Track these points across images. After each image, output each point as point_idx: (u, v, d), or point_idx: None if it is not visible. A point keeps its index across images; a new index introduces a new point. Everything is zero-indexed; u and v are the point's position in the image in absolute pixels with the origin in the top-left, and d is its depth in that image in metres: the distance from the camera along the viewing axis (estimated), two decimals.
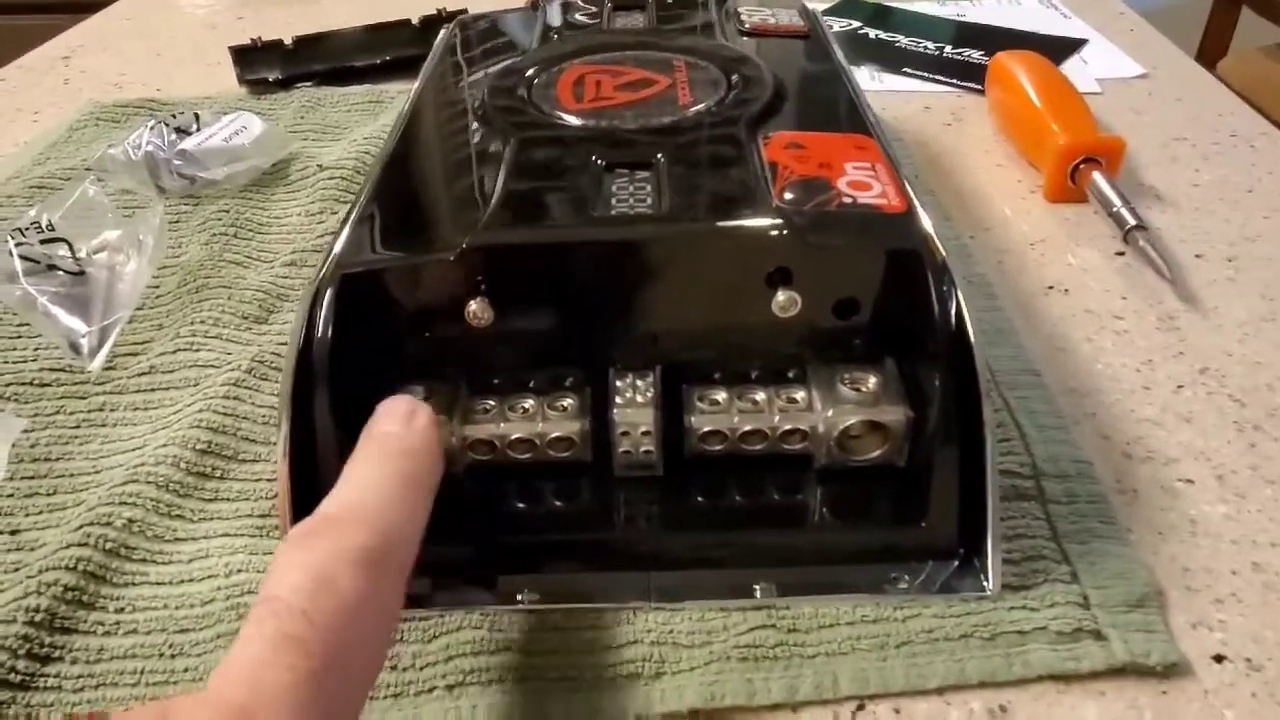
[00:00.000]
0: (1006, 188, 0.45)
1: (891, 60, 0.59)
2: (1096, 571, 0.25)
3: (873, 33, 0.63)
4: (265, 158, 0.47)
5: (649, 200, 0.27)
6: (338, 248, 0.26)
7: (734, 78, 0.34)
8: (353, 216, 0.28)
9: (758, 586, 0.25)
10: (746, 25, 0.40)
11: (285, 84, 0.58)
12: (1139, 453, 0.30)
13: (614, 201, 0.27)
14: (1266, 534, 0.27)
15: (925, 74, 0.56)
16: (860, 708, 0.23)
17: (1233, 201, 0.42)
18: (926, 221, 0.26)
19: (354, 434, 0.26)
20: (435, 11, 0.63)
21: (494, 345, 0.26)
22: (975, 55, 0.58)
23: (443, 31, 0.44)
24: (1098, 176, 0.40)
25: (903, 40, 0.61)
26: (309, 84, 0.59)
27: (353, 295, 0.25)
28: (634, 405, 0.26)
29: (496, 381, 0.27)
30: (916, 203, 0.27)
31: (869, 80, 0.56)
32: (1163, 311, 0.36)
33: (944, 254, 0.25)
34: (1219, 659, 0.23)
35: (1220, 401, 0.31)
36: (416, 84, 0.37)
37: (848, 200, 0.26)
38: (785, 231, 0.25)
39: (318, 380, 0.25)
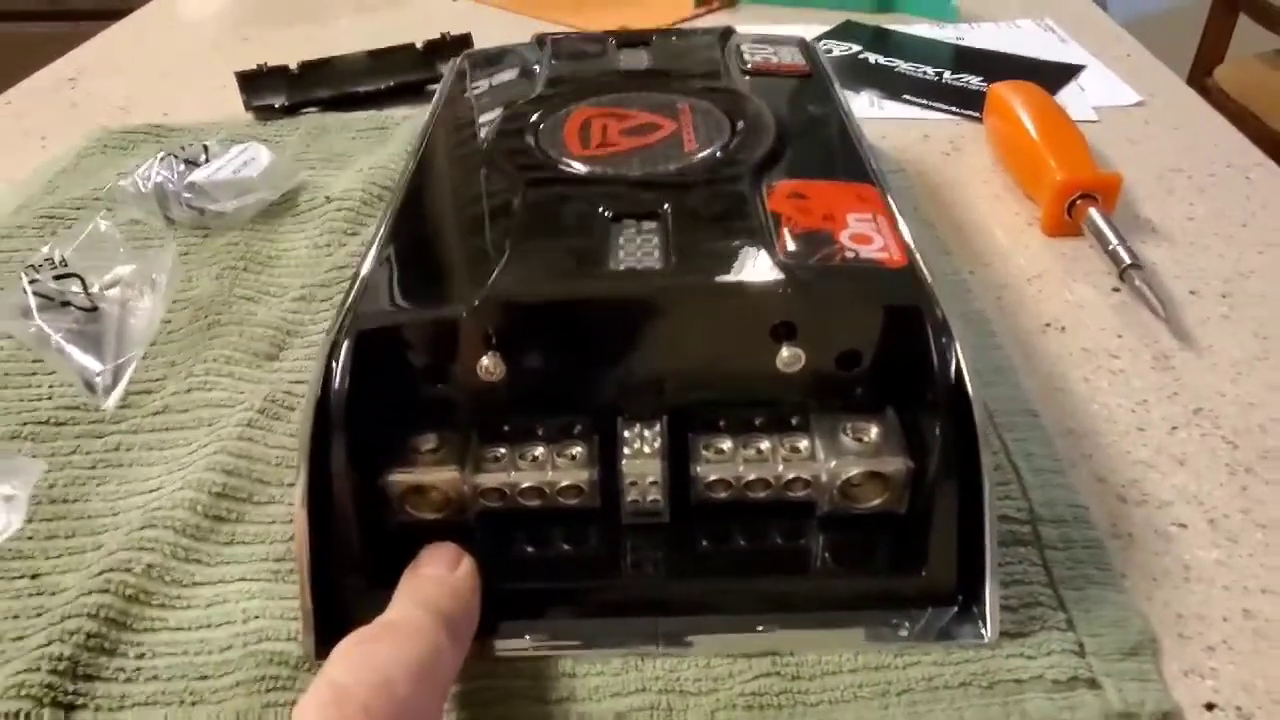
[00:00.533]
0: (1005, 220, 0.45)
1: (891, 86, 0.59)
2: (1092, 619, 0.26)
3: (873, 57, 0.63)
4: (273, 189, 0.47)
5: (656, 254, 0.28)
6: (353, 300, 0.27)
7: (738, 122, 0.35)
8: (366, 266, 0.28)
9: (762, 629, 0.26)
10: (749, 64, 0.41)
11: (291, 110, 0.59)
12: (1134, 496, 0.30)
13: (622, 254, 0.28)
14: (1257, 580, 0.27)
15: (924, 101, 0.57)
16: None
17: (1227, 236, 0.43)
18: (926, 276, 0.27)
19: (369, 480, 0.26)
20: (439, 35, 0.63)
21: (505, 395, 0.27)
22: (974, 81, 0.59)
23: (449, 66, 0.45)
24: (1094, 213, 0.41)
25: (902, 65, 0.62)
26: (314, 109, 0.60)
27: (368, 349, 0.26)
28: (641, 455, 0.27)
29: (507, 429, 0.28)
30: (917, 255, 0.28)
31: (869, 107, 0.57)
32: (1158, 350, 0.36)
33: (944, 310, 0.26)
34: (1210, 707, 0.24)
35: (1213, 443, 0.32)
36: (424, 123, 0.38)
37: (850, 255, 0.27)
38: (789, 288, 0.26)
39: (334, 429, 0.26)
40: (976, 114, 0.54)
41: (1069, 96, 0.57)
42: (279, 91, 0.60)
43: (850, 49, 0.65)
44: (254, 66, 0.60)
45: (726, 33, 0.44)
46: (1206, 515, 0.29)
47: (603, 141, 0.34)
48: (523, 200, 0.31)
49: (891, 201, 0.31)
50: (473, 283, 0.26)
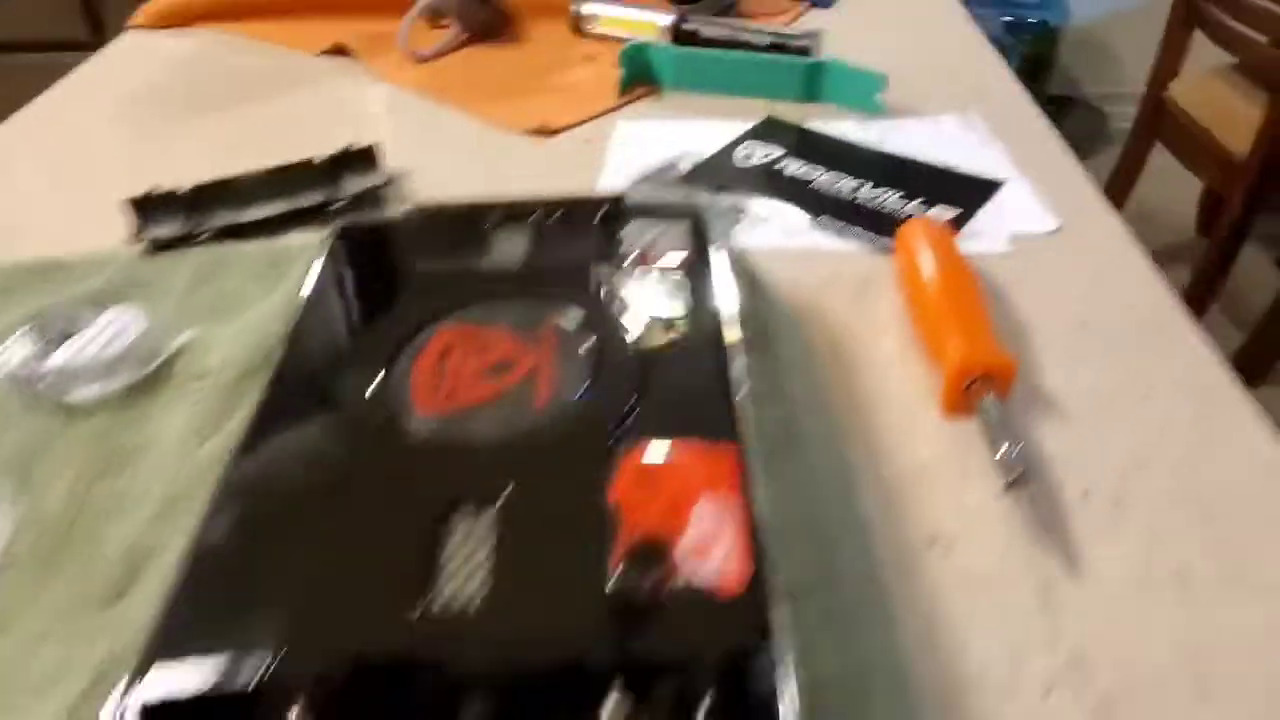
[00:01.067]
0: (904, 388, 0.44)
1: (807, 203, 0.57)
2: None
3: (791, 166, 0.61)
4: (144, 363, 0.45)
5: (482, 574, 0.26)
6: (141, 660, 0.25)
7: (600, 359, 0.33)
8: (168, 599, 0.26)
9: None
10: (628, 258, 0.39)
11: (185, 240, 0.57)
12: None
13: (446, 574, 0.26)
14: None
15: (841, 223, 0.55)
16: None
17: (1126, 414, 0.42)
18: (768, 601, 0.25)
19: None
20: (342, 149, 0.61)
21: None
22: (892, 200, 0.57)
23: (320, 243, 0.42)
24: (987, 407, 0.40)
25: (820, 178, 0.60)
26: (206, 237, 0.57)
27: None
28: None
29: None
30: (765, 563, 0.26)
31: (781, 236, 0.55)
32: (1041, 579, 0.35)
33: (781, 645, 0.24)
34: None
35: (1082, 713, 0.31)
36: (278, 363, 0.36)
37: (683, 583, 0.26)
38: (615, 635, 0.24)
39: None
40: (890, 242, 0.52)
41: (986, 218, 0.55)
42: (172, 218, 0.57)
43: (769, 155, 0.63)
44: (145, 192, 0.57)
45: (614, 207, 0.42)
46: None
47: (454, 388, 0.32)
48: (355, 489, 0.29)
49: (750, 470, 0.29)
50: (274, 634, 0.25)
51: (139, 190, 0.57)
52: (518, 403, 0.32)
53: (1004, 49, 2.22)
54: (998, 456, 0.38)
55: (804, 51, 0.73)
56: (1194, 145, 1.72)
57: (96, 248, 0.56)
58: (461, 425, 0.31)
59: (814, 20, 0.87)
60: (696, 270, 0.39)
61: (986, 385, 0.41)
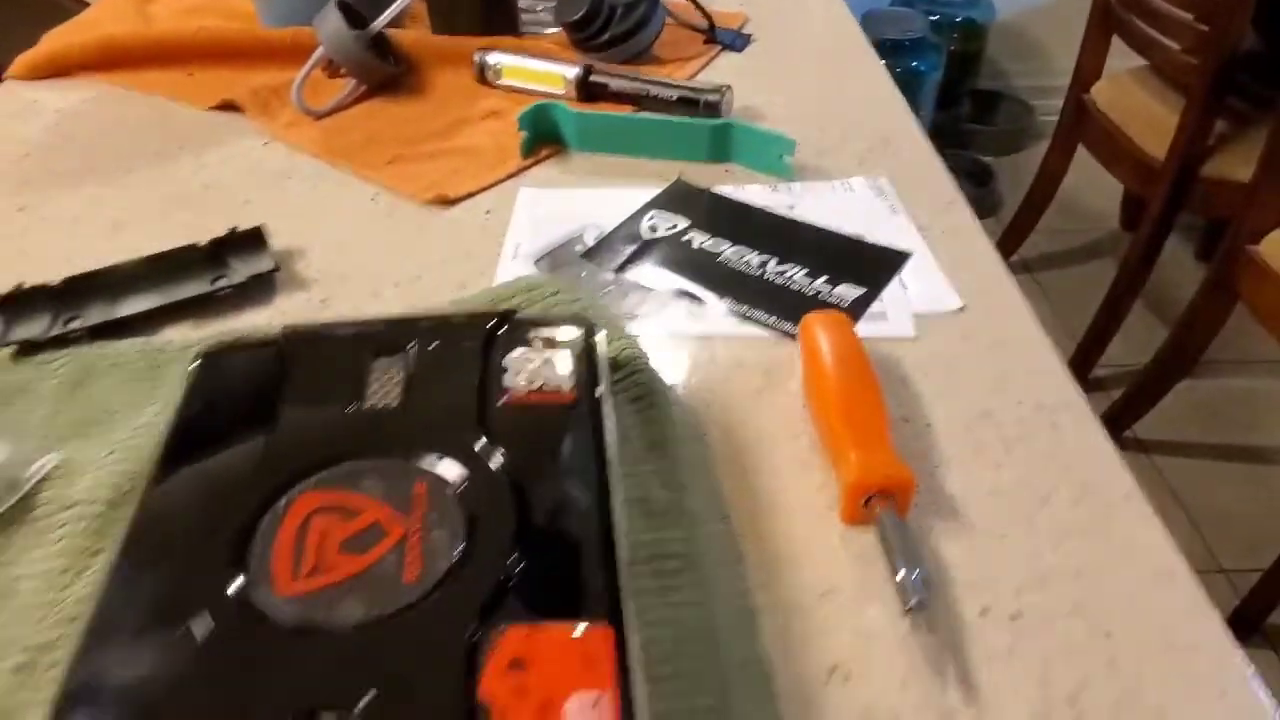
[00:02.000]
0: (805, 499, 0.43)
1: (713, 281, 0.56)
2: None
3: (698, 238, 0.60)
4: (11, 492, 0.42)
5: None
6: None
7: (474, 525, 0.32)
8: None
9: None
10: (508, 395, 0.37)
11: (56, 341, 0.53)
12: None
13: None
14: None
15: (744, 308, 0.54)
16: None
17: (1027, 519, 0.42)
18: None
19: None
20: (228, 231, 0.58)
21: None
22: (799, 276, 0.57)
23: (183, 374, 0.40)
24: (885, 524, 0.39)
25: (727, 250, 0.59)
26: (80, 334, 0.54)
27: None
28: None
29: None
30: None
31: (686, 320, 0.54)
32: (941, 710, 0.35)
33: None
34: None
35: None
36: (134, 512, 0.33)
37: None
38: None
39: None
40: (794, 328, 0.52)
41: (890, 300, 0.55)
42: (42, 317, 0.54)
43: (675, 226, 0.62)
44: (11, 288, 0.54)
45: (499, 326, 0.40)
46: None
47: (316, 564, 0.30)
48: (200, 691, 0.27)
49: (627, 652, 0.28)
50: None
51: (3, 284, 0.53)
52: (384, 578, 0.30)
53: (934, 47, 2.25)
54: (898, 579, 0.37)
55: (713, 107, 0.72)
56: (1114, 148, 1.76)
57: None
58: (321, 608, 0.29)
59: (725, 65, 0.86)
60: (579, 408, 0.37)
61: (885, 500, 0.40)
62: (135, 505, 0.34)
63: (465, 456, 0.34)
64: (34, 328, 0.53)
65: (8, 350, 0.52)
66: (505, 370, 0.38)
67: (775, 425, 0.47)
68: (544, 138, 0.71)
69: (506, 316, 0.41)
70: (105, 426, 0.47)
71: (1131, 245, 1.75)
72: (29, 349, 0.52)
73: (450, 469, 0.34)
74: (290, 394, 0.37)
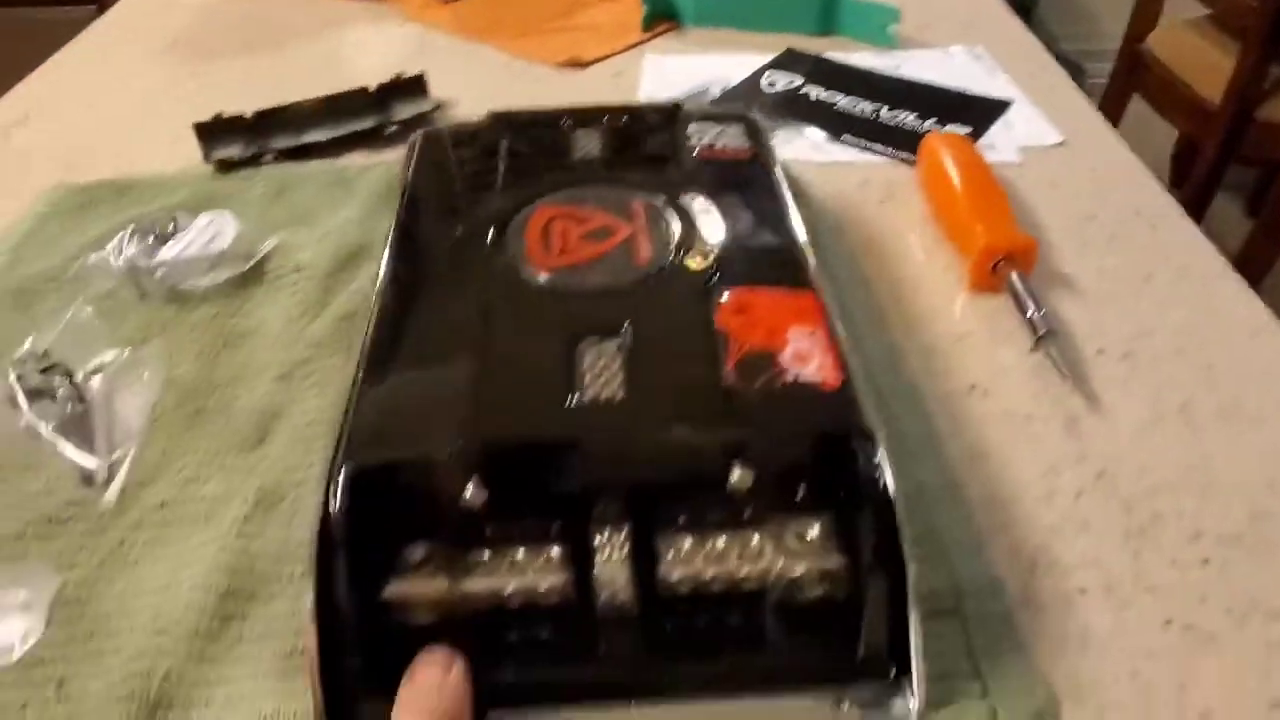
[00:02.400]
0: (935, 275, 0.49)
1: (831, 124, 0.62)
2: (1004, 686, 0.30)
3: (814, 92, 0.66)
4: (243, 260, 0.49)
5: (618, 381, 0.31)
6: (345, 438, 0.30)
7: (688, 225, 0.38)
8: (352, 399, 0.31)
9: (724, 707, 0.30)
10: (695, 150, 0.43)
11: (249, 161, 0.60)
12: (1043, 562, 0.35)
13: (587, 380, 0.31)
14: (1143, 642, 0.32)
15: (863, 142, 0.60)
16: None
17: (1133, 290, 0.47)
18: (860, 396, 0.30)
19: (368, 593, 0.30)
20: (392, 78, 0.65)
21: (488, 513, 0.30)
22: (909, 119, 0.62)
23: (408, 145, 0.47)
24: (1014, 279, 0.45)
25: (841, 100, 0.65)
26: (271, 158, 0.61)
27: (360, 485, 0.29)
28: (612, 562, 0.30)
29: (488, 535, 0.31)
30: (853, 372, 0.31)
31: (811, 150, 0.60)
32: (1068, 413, 0.41)
33: (874, 430, 0.29)
34: None
35: (1112, 508, 0.36)
36: (389, 228, 0.40)
37: (790, 378, 0.31)
38: (737, 419, 0.29)
39: (335, 553, 0.29)
40: (911, 156, 0.57)
41: (996, 135, 0.60)
42: (237, 141, 0.61)
43: (792, 82, 0.67)
44: (210, 117, 0.61)
45: (673, 112, 0.47)
46: (1104, 581, 0.34)
47: (564, 248, 0.37)
48: (495, 320, 0.34)
49: (829, 308, 0.34)
50: (454, 420, 0.29)
51: (193, 119, 0.60)
52: (621, 260, 0.36)
53: None
54: (1027, 315, 0.43)
55: None
56: (1170, 95, 1.79)
57: (162, 170, 0.60)
58: (575, 277, 0.36)
59: None
60: (760, 160, 0.43)
61: (1011, 265, 0.46)
62: (392, 224, 0.40)
63: (667, 188, 0.40)
64: (231, 150, 0.60)
65: (210, 167, 0.60)
66: (689, 136, 0.44)
67: (901, 225, 0.53)
68: (661, 14, 0.77)
69: (678, 106, 0.47)
70: (309, 222, 0.54)
71: (1182, 198, 1.78)
72: (228, 166, 0.60)
73: (657, 197, 0.40)
74: (504, 155, 0.44)
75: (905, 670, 0.30)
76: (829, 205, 0.55)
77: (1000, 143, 0.60)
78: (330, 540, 0.29)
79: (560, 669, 0.31)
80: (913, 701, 0.30)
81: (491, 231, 0.38)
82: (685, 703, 0.30)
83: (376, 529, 0.30)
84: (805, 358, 0.31)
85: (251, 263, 0.49)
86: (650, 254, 0.37)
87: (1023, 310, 0.44)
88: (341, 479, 0.29)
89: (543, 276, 0.36)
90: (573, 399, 0.30)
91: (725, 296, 0.34)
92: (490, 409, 0.30)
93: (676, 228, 0.38)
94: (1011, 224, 0.47)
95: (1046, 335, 0.42)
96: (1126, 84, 1.95)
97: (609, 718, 0.30)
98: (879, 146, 0.60)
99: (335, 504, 0.29)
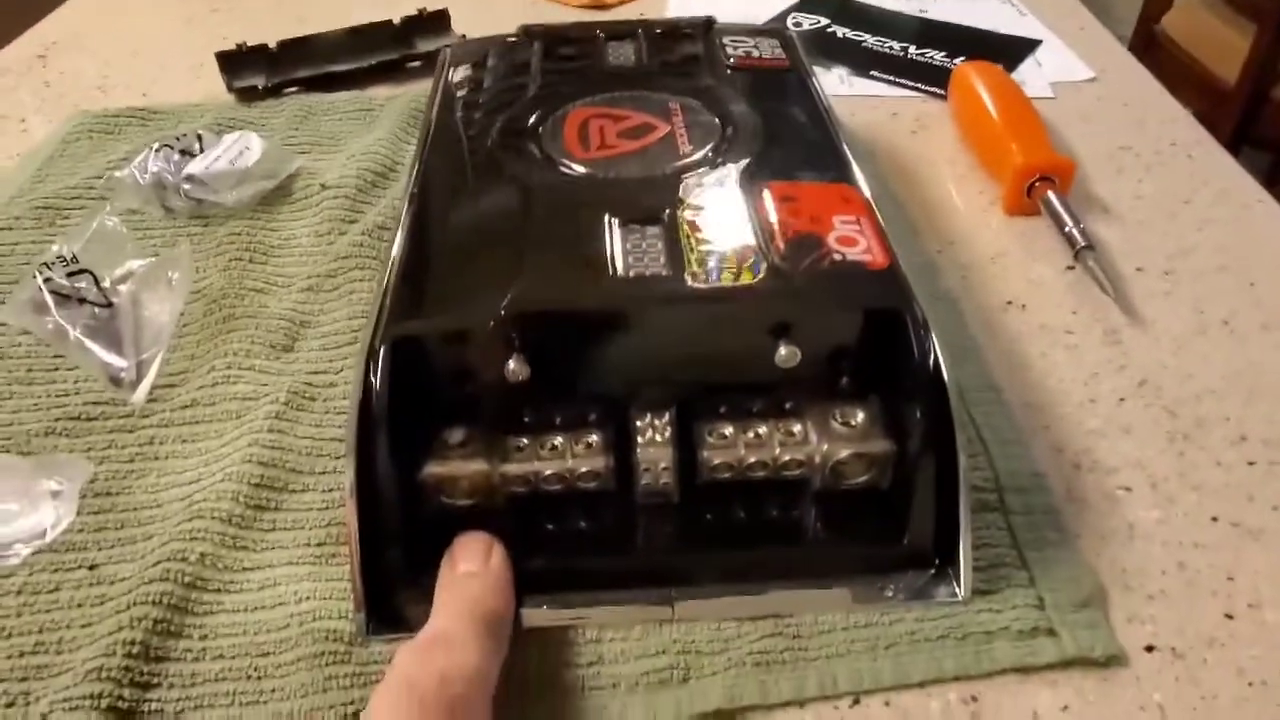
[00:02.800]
0: (969, 199, 0.48)
1: (859, 62, 0.62)
2: (1050, 576, 0.30)
3: (840, 31, 0.65)
4: (269, 178, 0.48)
5: (661, 260, 0.30)
6: (385, 310, 0.29)
7: (727, 123, 0.37)
8: (392, 279, 0.30)
9: (765, 595, 0.29)
10: (731, 59, 0.43)
11: (272, 91, 0.60)
12: (1086, 463, 0.34)
13: (630, 260, 0.30)
14: (1189, 536, 0.31)
15: (892, 78, 0.59)
16: (856, 702, 0.27)
17: (1170, 213, 0.47)
18: (907, 277, 0.30)
19: (407, 473, 0.29)
20: (417, 12, 0.64)
21: (529, 392, 0.30)
22: (938, 57, 0.62)
23: (439, 60, 0.46)
24: (1051, 195, 0.44)
25: (869, 40, 0.64)
26: (295, 89, 0.60)
27: (402, 357, 0.28)
28: (654, 444, 0.30)
29: (528, 419, 0.31)
30: (898, 256, 0.31)
31: (839, 84, 0.59)
32: (1108, 326, 0.40)
33: (922, 309, 0.29)
34: (1149, 649, 0.28)
35: (1155, 413, 0.36)
36: (424, 124, 0.40)
37: (838, 257, 0.30)
38: (785, 293, 0.29)
39: (376, 430, 0.28)
40: (941, 91, 0.57)
41: (1027, 71, 0.60)
42: (260, 72, 0.60)
43: (818, 22, 0.67)
44: (234, 46, 0.60)
45: (708, 25, 0.46)
46: (1148, 479, 0.33)
47: (602, 144, 0.36)
48: (534, 206, 0.33)
49: (872, 201, 0.34)
50: (497, 291, 0.29)
51: (215, 49, 0.59)
52: (661, 153, 0.36)
53: None
54: (1065, 230, 0.42)
55: None
56: (1185, 75, 1.77)
57: (186, 99, 0.59)
58: (615, 167, 0.35)
59: None
60: (797, 69, 0.43)
61: (1047, 185, 0.45)
62: (431, 120, 0.40)
63: (704, 93, 0.40)
64: (255, 79, 0.60)
65: (233, 96, 0.59)
66: (724, 47, 0.44)
67: (934, 154, 0.52)
68: None
69: (711, 20, 0.47)
70: (334, 147, 0.54)
71: None
72: (250, 96, 0.59)
73: (693, 101, 0.39)
74: (537, 63, 0.43)
75: (950, 561, 0.30)
76: (859, 135, 0.54)
77: (1031, 79, 0.59)
78: (370, 416, 0.28)
79: (598, 557, 0.30)
80: (959, 591, 0.29)
81: (528, 128, 0.38)
82: (722, 593, 0.29)
83: (417, 406, 0.29)
84: (852, 241, 0.31)
85: (277, 181, 0.49)
86: (690, 149, 0.36)
87: (1060, 226, 0.43)
88: (382, 350, 0.28)
89: (582, 168, 0.35)
90: (615, 274, 0.30)
91: (769, 187, 0.34)
92: (532, 281, 0.29)
93: (715, 126, 0.38)
94: (1047, 145, 0.47)
95: (1086, 248, 0.42)
96: (1142, 64, 1.94)
97: (647, 612, 0.29)
98: (908, 81, 0.59)
99: (376, 377, 0.28)
